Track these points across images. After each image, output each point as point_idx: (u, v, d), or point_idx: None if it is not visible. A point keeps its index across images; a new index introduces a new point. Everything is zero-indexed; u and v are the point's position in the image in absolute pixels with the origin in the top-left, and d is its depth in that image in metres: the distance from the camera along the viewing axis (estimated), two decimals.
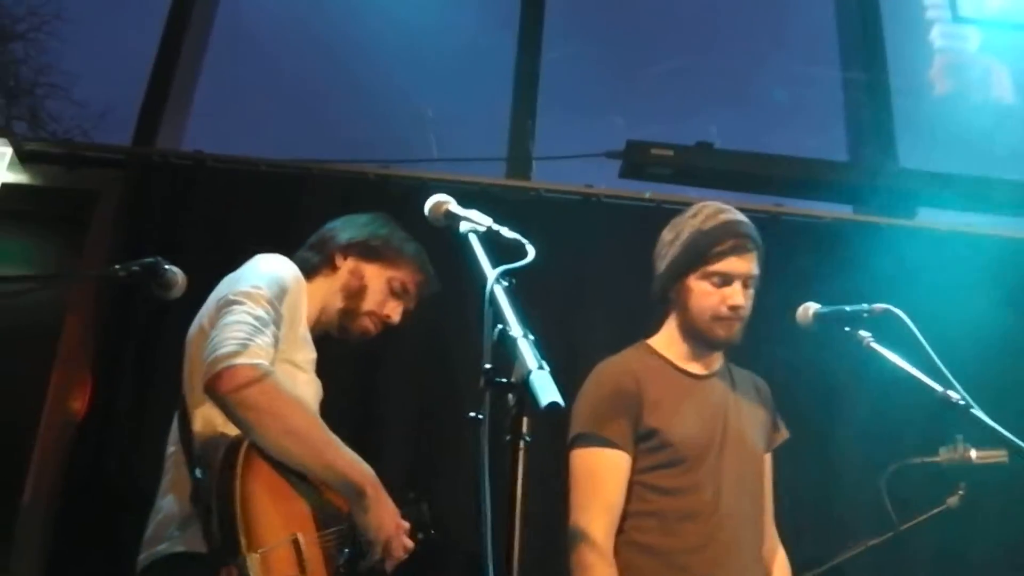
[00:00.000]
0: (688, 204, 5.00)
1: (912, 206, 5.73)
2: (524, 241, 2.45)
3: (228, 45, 6.53)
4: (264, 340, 2.83)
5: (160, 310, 4.60)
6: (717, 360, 3.48)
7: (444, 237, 2.72)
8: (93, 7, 8.27)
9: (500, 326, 2.14)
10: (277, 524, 2.75)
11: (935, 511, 3.78)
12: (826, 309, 3.28)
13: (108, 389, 4.70)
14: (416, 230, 3.43)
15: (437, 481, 4.62)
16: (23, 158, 5.22)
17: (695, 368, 3.42)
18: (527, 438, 2.01)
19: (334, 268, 3.41)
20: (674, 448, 3.24)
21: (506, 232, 2.55)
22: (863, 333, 3.15)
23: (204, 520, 2.75)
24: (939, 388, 2.91)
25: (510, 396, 2.03)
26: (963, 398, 2.88)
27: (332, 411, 3.04)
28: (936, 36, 7.03)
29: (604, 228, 5.23)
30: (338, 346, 3.44)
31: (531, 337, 2.09)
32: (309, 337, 3.23)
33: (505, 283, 2.26)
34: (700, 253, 3.28)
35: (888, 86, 6.25)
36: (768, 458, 3.53)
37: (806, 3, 7.65)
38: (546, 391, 1.90)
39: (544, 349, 2.07)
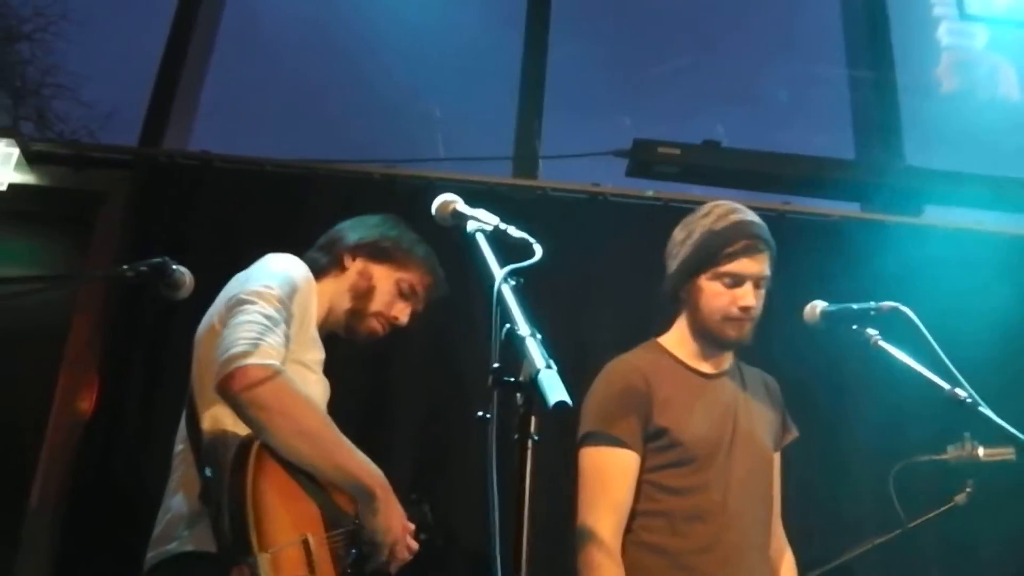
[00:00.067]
0: (694, 202, 5.04)
1: (919, 204, 5.73)
2: (531, 240, 2.45)
3: (234, 46, 6.54)
4: (276, 340, 2.83)
5: (167, 310, 4.60)
6: (727, 359, 3.46)
7: (451, 236, 2.73)
8: (99, 8, 8.30)
9: (508, 325, 2.14)
10: (287, 524, 2.74)
11: (943, 508, 3.78)
12: (833, 307, 3.27)
13: (116, 389, 4.71)
14: (423, 229, 3.43)
15: (444, 481, 4.62)
16: (30, 159, 5.23)
17: (705, 367, 3.41)
18: (535, 437, 2.01)
19: (343, 268, 3.39)
20: (683, 447, 3.22)
21: (513, 231, 2.55)
22: (870, 331, 3.14)
23: (214, 519, 2.75)
24: (947, 386, 2.90)
25: (518, 395, 2.03)
26: (970, 396, 2.87)
27: (339, 411, 3.04)
28: (943, 34, 7.02)
29: (611, 227, 5.23)
30: (346, 346, 3.44)
31: (539, 336, 2.09)
32: (318, 337, 3.22)
33: (512, 282, 2.26)
34: (712, 253, 3.26)
35: (895, 84, 6.25)
36: (777, 457, 3.52)
37: (813, 1, 7.65)
38: (554, 390, 1.90)
39: (551, 348, 2.08)
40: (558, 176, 5.58)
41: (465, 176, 5.28)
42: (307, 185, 5.17)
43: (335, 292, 3.35)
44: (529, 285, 2.29)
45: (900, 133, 6.07)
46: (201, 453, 2.90)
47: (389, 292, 3.39)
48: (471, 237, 2.57)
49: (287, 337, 2.90)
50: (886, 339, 3.12)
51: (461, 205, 2.72)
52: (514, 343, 2.10)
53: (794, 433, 3.59)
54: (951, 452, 3.72)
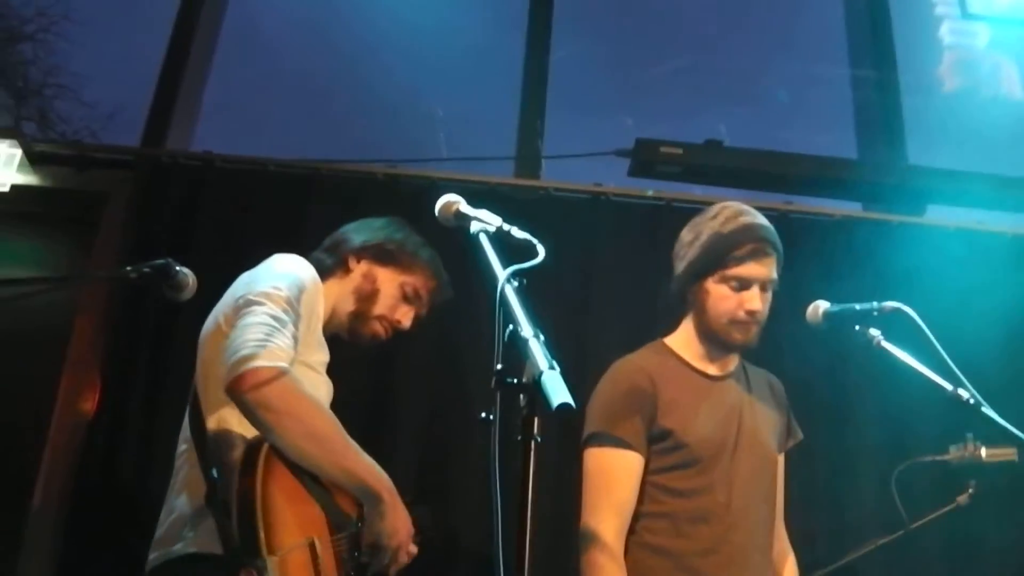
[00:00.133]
0: (696, 202, 5.07)
1: (921, 203, 5.73)
2: (535, 241, 2.45)
3: (237, 46, 6.54)
4: (285, 341, 2.82)
5: (170, 311, 4.61)
6: (733, 361, 3.45)
7: (454, 237, 2.73)
8: (101, 8, 8.28)
9: (511, 326, 2.14)
10: (295, 527, 2.75)
11: (945, 509, 3.79)
12: (836, 307, 3.26)
13: (118, 390, 4.71)
14: (426, 230, 3.43)
15: (447, 482, 4.62)
16: (33, 159, 5.23)
17: (711, 369, 3.40)
18: (538, 439, 2.01)
19: (347, 271, 3.39)
20: (688, 449, 3.22)
21: (516, 232, 2.55)
22: (873, 331, 3.14)
23: (220, 521, 2.75)
24: (949, 386, 2.90)
25: (521, 397, 2.03)
26: (973, 396, 2.87)
27: (342, 412, 3.03)
28: (945, 33, 7.01)
29: (613, 227, 5.23)
30: (348, 347, 3.43)
31: (542, 337, 2.09)
32: (323, 339, 3.22)
33: (516, 283, 2.26)
34: (719, 256, 3.25)
35: (897, 83, 6.24)
36: (781, 459, 3.52)
37: (815, 1, 7.65)
38: (557, 392, 1.90)
39: (554, 348, 2.08)
40: (560, 176, 5.58)
41: (467, 176, 5.28)
42: (310, 185, 5.18)
43: (339, 294, 3.35)
44: (531, 285, 2.29)
45: (902, 132, 6.07)
46: (206, 454, 2.89)
47: (393, 296, 3.38)
48: (474, 238, 2.57)
49: (295, 338, 2.90)
50: (889, 339, 3.12)
51: (464, 206, 2.72)
52: (517, 344, 2.10)
53: (799, 436, 3.59)
54: (954, 452, 3.73)
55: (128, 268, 2.87)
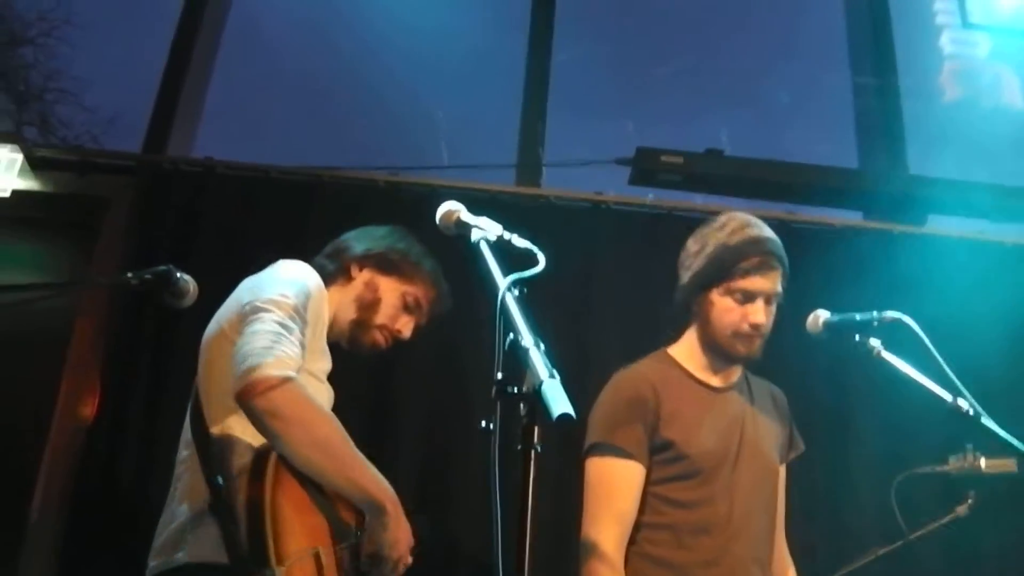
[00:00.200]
0: (696, 210, 5.07)
1: (922, 213, 5.73)
2: (535, 249, 2.45)
3: (238, 52, 6.54)
4: (293, 350, 2.81)
5: (170, 316, 4.61)
6: (736, 372, 3.45)
7: (455, 244, 2.73)
8: (103, 13, 8.29)
9: (511, 335, 2.14)
10: (301, 537, 2.74)
11: (945, 520, 3.78)
12: (836, 317, 3.26)
13: (118, 395, 4.71)
14: (427, 237, 3.42)
15: (447, 491, 4.62)
16: (34, 164, 5.23)
17: (715, 381, 3.40)
18: (538, 448, 2.01)
19: (349, 279, 3.37)
20: (690, 460, 3.21)
21: (517, 240, 2.55)
22: (873, 341, 3.14)
23: (225, 528, 2.74)
24: (949, 397, 2.90)
25: (521, 406, 2.03)
26: (973, 407, 2.87)
27: (342, 420, 3.03)
28: (946, 42, 7.02)
29: (614, 235, 5.23)
30: (349, 355, 3.43)
31: (542, 346, 2.09)
32: (327, 347, 3.22)
33: (516, 292, 2.26)
34: (725, 269, 3.25)
35: (898, 92, 6.25)
36: (782, 471, 3.51)
37: (816, 8, 7.65)
38: (558, 402, 1.90)
39: (554, 358, 2.07)
40: (561, 184, 5.58)
41: (468, 184, 5.29)
42: (311, 192, 5.18)
43: (340, 302, 3.33)
44: (532, 294, 2.29)
45: (903, 142, 6.08)
46: (209, 460, 2.88)
47: (394, 305, 3.37)
48: (475, 246, 2.57)
49: (302, 345, 2.89)
50: (889, 349, 3.12)
51: (465, 214, 2.72)
52: (518, 353, 2.10)
53: (800, 447, 3.59)
54: (953, 463, 3.72)
55: (129, 274, 2.86)
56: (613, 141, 6.06)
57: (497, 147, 5.85)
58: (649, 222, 5.28)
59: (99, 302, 5.00)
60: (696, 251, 3.37)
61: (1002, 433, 2.83)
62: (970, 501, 3.77)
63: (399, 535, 2.91)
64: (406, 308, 3.40)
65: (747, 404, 3.43)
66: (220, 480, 2.82)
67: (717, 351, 3.35)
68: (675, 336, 3.51)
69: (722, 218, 3.39)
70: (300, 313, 2.94)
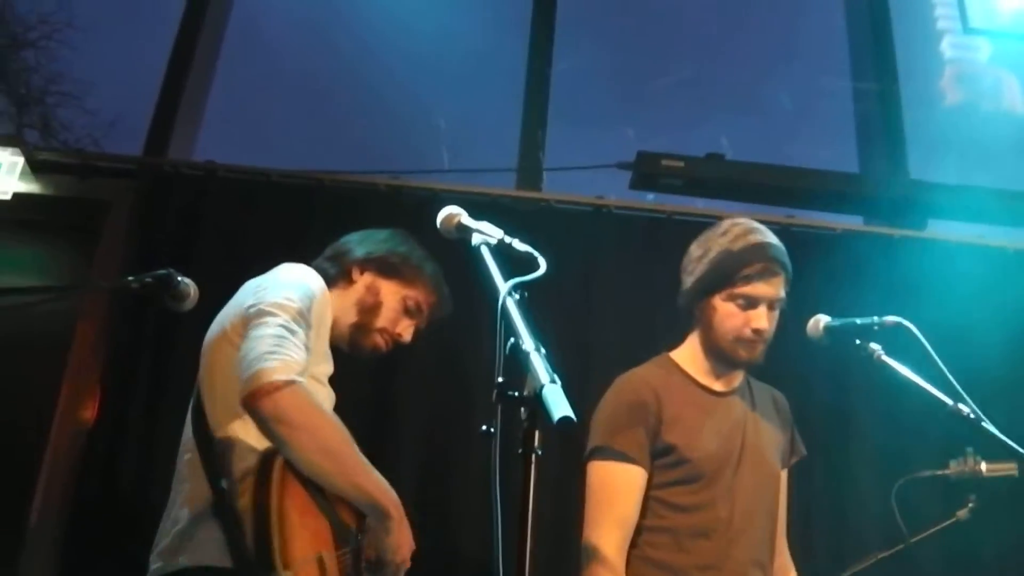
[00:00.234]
0: (697, 215, 5.06)
1: (922, 217, 5.73)
2: (536, 254, 2.45)
3: (240, 55, 6.55)
4: (300, 355, 2.81)
5: (171, 320, 4.60)
6: (738, 377, 3.45)
7: (456, 248, 2.73)
8: (104, 16, 8.29)
9: (512, 339, 2.14)
10: (307, 541, 2.74)
11: (945, 524, 3.78)
12: (836, 322, 3.26)
13: (119, 398, 4.71)
14: (428, 241, 3.42)
15: (448, 494, 4.62)
16: (35, 167, 5.23)
17: (716, 385, 3.40)
18: (538, 452, 2.01)
19: (350, 282, 3.37)
20: (691, 465, 3.22)
21: (518, 244, 2.55)
22: (873, 346, 3.14)
23: (230, 532, 2.74)
24: (949, 401, 2.90)
25: (522, 410, 2.03)
26: (973, 411, 2.87)
27: (344, 423, 3.04)
28: (947, 47, 7.02)
29: (615, 239, 5.23)
30: (350, 358, 3.42)
31: (543, 350, 2.09)
32: (329, 350, 3.22)
33: (517, 296, 2.26)
34: (727, 274, 3.25)
35: (899, 97, 6.25)
36: (784, 475, 3.52)
37: (817, 14, 7.66)
38: (558, 406, 1.90)
39: (555, 361, 2.08)
40: (562, 188, 5.59)
41: (469, 188, 5.29)
42: (312, 196, 5.18)
43: (341, 305, 3.32)
44: (532, 297, 2.29)
45: (904, 146, 6.08)
46: (212, 463, 2.88)
47: (395, 309, 3.37)
48: (476, 250, 2.58)
49: (307, 349, 2.89)
50: (889, 354, 3.12)
51: (466, 218, 2.72)
52: (518, 357, 2.10)
53: (802, 452, 3.59)
54: (953, 467, 3.72)
55: (130, 278, 2.87)
56: (614, 146, 6.07)
57: (498, 151, 5.86)
58: (650, 226, 5.28)
59: (100, 305, 5.00)
60: (699, 256, 3.37)
61: (1002, 437, 2.83)
62: (971, 505, 3.77)
63: (402, 540, 2.92)
64: (407, 312, 3.40)
65: (749, 409, 3.43)
66: (224, 483, 2.82)
67: (719, 356, 3.35)
68: (675, 339, 3.51)
69: (725, 223, 3.39)
70: (304, 316, 2.94)
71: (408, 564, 3.00)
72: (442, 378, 4.84)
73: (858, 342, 3.18)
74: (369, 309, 3.33)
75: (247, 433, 2.87)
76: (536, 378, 2.00)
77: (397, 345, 3.44)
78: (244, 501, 2.77)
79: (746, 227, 3.34)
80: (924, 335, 3.03)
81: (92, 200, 5.31)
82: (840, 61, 6.80)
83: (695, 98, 7.75)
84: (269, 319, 2.85)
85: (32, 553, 4.57)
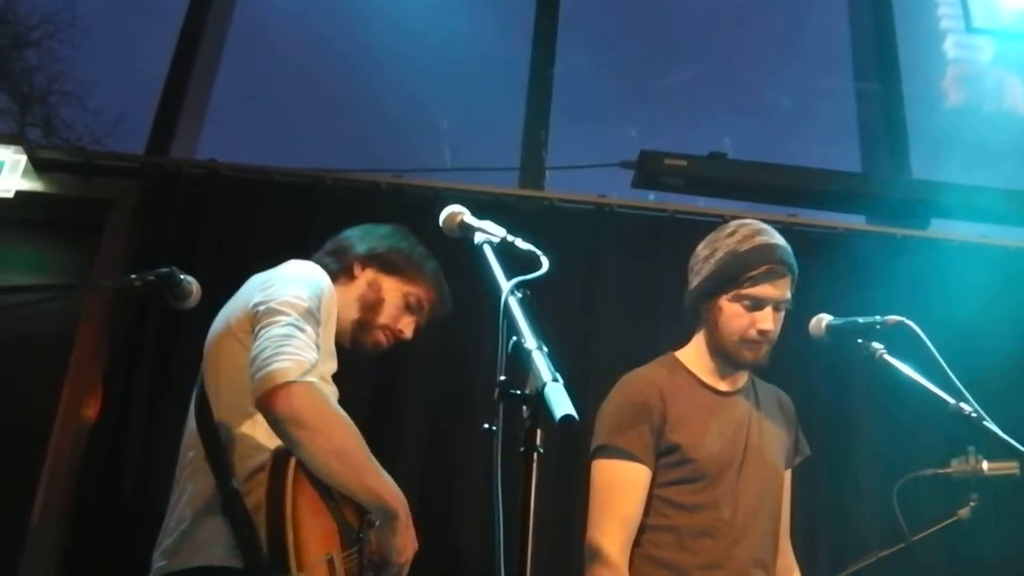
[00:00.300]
0: (699, 214, 5.06)
1: (925, 217, 5.72)
2: (538, 253, 2.45)
3: (242, 54, 6.55)
4: (312, 355, 2.80)
5: (173, 318, 4.62)
6: (743, 377, 3.46)
7: (458, 247, 2.73)
8: (107, 15, 8.29)
9: (514, 338, 2.14)
10: (318, 542, 2.74)
11: (947, 522, 3.78)
12: (839, 321, 3.26)
13: (121, 397, 4.70)
14: (430, 240, 3.42)
15: (450, 492, 4.62)
16: (37, 166, 5.23)
17: (721, 385, 3.41)
18: (540, 450, 2.01)
19: (352, 278, 3.37)
20: (696, 464, 3.22)
21: (520, 243, 2.56)
22: (876, 345, 3.13)
23: (241, 533, 2.73)
24: (951, 400, 2.89)
25: (524, 408, 2.03)
26: (975, 410, 2.86)
27: None
28: (950, 46, 7.02)
29: (617, 238, 5.23)
30: (353, 355, 3.42)
31: (545, 349, 2.09)
32: (334, 349, 3.21)
33: (519, 295, 2.26)
34: (734, 276, 3.25)
35: (901, 97, 6.25)
36: (788, 475, 3.52)
37: (820, 14, 7.65)
38: (560, 404, 1.90)
39: (557, 359, 2.08)
40: (564, 187, 5.58)
41: (472, 186, 5.28)
42: (314, 194, 5.18)
43: (344, 301, 3.31)
44: (535, 296, 2.29)
45: (907, 146, 6.08)
46: (219, 462, 2.87)
47: (397, 305, 3.37)
48: (478, 249, 2.58)
49: (318, 348, 2.88)
50: (891, 353, 3.11)
51: (468, 217, 2.73)
52: (521, 356, 2.10)
53: (806, 452, 3.60)
54: (955, 466, 3.72)
55: (132, 276, 2.84)
56: (617, 145, 6.06)
57: (500, 150, 5.85)
58: (652, 225, 5.28)
59: (102, 304, 5.00)
60: (706, 257, 3.37)
61: (1004, 436, 2.82)
62: (972, 504, 3.77)
63: (407, 542, 2.92)
64: (408, 308, 3.40)
65: (753, 409, 3.44)
66: (232, 482, 2.81)
67: (724, 356, 3.35)
68: (681, 339, 3.51)
69: (733, 224, 3.40)
70: (314, 315, 2.93)
71: (409, 564, 3.00)
72: (444, 376, 4.83)
73: (860, 341, 3.17)
74: (371, 306, 3.34)
75: (255, 431, 2.87)
76: (538, 376, 2.00)
77: (398, 341, 3.44)
78: (253, 500, 2.77)
79: (754, 228, 3.34)
80: (926, 334, 3.02)
81: (94, 199, 5.32)
82: (843, 61, 6.79)
83: (698, 97, 7.74)
84: (280, 318, 2.84)
85: (33, 551, 4.57)
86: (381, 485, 2.86)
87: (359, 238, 3.48)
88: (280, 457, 2.75)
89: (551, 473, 4.33)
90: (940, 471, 3.77)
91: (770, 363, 3.37)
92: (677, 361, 3.47)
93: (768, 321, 3.25)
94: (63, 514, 4.59)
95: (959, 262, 5.28)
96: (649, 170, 5.51)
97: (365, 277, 3.38)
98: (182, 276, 2.86)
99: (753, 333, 3.25)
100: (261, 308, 2.91)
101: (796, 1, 8.15)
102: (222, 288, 3.18)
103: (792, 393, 3.70)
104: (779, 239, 3.34)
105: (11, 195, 5.11)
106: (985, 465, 3.63)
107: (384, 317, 3.35)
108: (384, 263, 3.40)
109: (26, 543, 4.59)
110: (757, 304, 3.25)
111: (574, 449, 3.42)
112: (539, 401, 1.97)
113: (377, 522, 2.90)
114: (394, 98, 7.00)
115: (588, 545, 3.18)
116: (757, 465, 3.32)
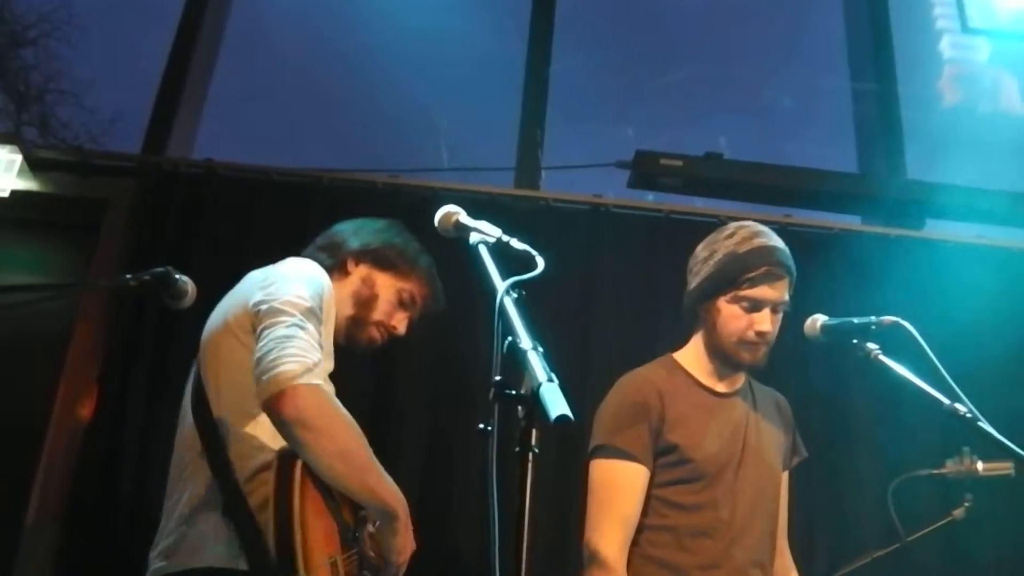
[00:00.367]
0: (695, 214, 5.07)
1: (920, 217, 5.74)
2: (534, 252, 2.46)
3: (239, 53, 6.55)
4: (316, 355, 2.78)
5: (169, 318, 4.61)
6: (740, 379, 3.47)
7: (454, 247, 2.73)
8: (104, 13, 8.29)
9: (510, 338, 2.14)
10: (322, 544, 2.73)
11: (941, 523, 3.78)
12: (834, 321, 3.26)
13: (117, 397, 4.70)
14: (426, 239, 3.42)
15: (446, 492, 4.62)
16: (33, 165, 5.22)
17: (719, 386, 3.42)
18: (536, 450, 2.01)
19: (345, 273, 3.35)
20: (694, 465, 3.23)
21: (516, 243, 2.56)
22: (871, 345, 3.13)
23: (246, 534, 2.72)
24: (946, 400, 2.89)
25: (519, 408, 2.03)
26: (970, 410, 2.86)
27: None
28: (946, 47, 7.02)
29: (613, 238, 5.23)
30: (350, 354, 3.42)
31: (540, 349, 2.10)
32: (332, 347, 3.21)
33: (515, 295, 2.26)
34: (732, 278, 3.26)
35: (897, 97, 6.26)
36: (785, 476, 3.53)
37: (816, 14, 7.66)
38: (556, 404, 1.91)
39: (553, 360, 2.08)
40: (560, 187, 5.59)
41: (467, 186, 5.29)
42: (311, 194, 5.17)
43: (338, 297, 3.29)
44: (530, 296, 2.29)
45: (902, 146, 6.08)
46: (219, 461, 2.85)
47: (391, 301, 3.36)
48: (474, 249, 2.58)
49: (321, 347, 2.86)
50: (886, 353, 3.11)
51: (464, 217, 2.73)
52: (516, 356, 2.10)
53: (803, 454, 3.61)
54: (950, 466, 3.71)
55: (128, 276, 2.83)
56: (613, 145, 6.07)
57: (496, 150, 5.86)
58: (648, 225, 5.28)
59: (98, 304, 4.99)
60: (705, 258, 3.38)
61: (999, 436, 2.83)
62: (967, 504, 3.77)
63: (406, 543, 2.92)
64: (402, 304, 3.39)
65: (751, 410, 3.45)
66: (234, 482, 2.80)
67: (722, 358, 3.36)
68: (681, 341, 3.52)
69: (732, 226, 3.41)
70: (316, 314, 2.91)
71: (406, 564, 3.00)
72: (440, 376, 4.83)
73: (855, 342, 3.17)
74: (365, 302, 3.32)
75: (258, 431, 2.86)
76: (534, 376, 2.01)
77: (392, 338, 3.43)
78: (256, 500, 2.76)
79: (752, 230, 3.35)
80: (922, 335, 3.02)
81: (91, 198, 5.31)
82: (839, 61, 6.80)
83: (694, 97, 7.75)
84: (284, 318, 2.82)
85: (29, 551, 4.56)
86: (382, 485, 2.85)
87: (352, 233, 3.47)
88: (286, 457, 2.74)
89: (548, 473, 4.34)
90: (935, 471, 3.77)
91: (768, 364, 3.37)
92: (675, 362, 3.48)
93: (766, 323, 3.26)
94: (58, 514, 4.58)
95: (954, 263, 5.28)
96: (645, 170, 5.52)
97: (359, 273, 3.36)
98: (178, 276, 2.86)
99: (751, 335, 3.26)
100: (263, 308, 2.89)
101: (792, 1, 8.16)
102: (219, 288, 3.17)
103: (789, 394, 3.71)
104: (778, 241, 3.35)
105: (7, 195, 5.10)
106: (980, 465, 3.63)
107: (378, 313, 3.34)
108: (378, 259, 3.39)
109: (21, 543, 4.58)
110: (755, 306, 3.26)
111: (571, 449, 3.42)
112: (534, 401, 1.97)
113: (376, 521, 2.90)
114: (391, 98, 7.01)
115: (586, 545, 3.19)
116: (755, 465, 3.33)
